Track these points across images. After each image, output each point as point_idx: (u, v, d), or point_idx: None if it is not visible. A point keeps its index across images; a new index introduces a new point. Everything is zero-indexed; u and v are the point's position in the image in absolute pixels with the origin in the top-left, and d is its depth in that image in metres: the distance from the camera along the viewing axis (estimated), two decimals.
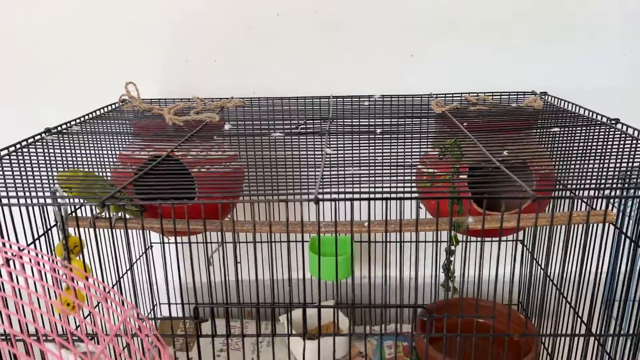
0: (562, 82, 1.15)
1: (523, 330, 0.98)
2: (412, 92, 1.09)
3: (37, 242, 0.69)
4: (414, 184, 0.62)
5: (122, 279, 0.85)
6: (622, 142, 0.74)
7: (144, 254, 1.11)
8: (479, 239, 0.76)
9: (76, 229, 0.66)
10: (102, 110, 1.02)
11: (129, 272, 0.98)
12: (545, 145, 0.91)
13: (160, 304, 1.17)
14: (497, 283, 0.68)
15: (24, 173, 0.70)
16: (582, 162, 0.76)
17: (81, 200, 0.67)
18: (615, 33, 1.12)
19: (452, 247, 0.77)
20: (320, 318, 0.75)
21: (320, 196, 0.53)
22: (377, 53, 1.15)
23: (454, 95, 1.08)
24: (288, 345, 1.11)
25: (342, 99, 1.08)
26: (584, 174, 0.72)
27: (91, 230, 0.73)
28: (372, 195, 0.54)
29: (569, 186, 0.75)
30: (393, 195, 0.53)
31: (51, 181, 0.68)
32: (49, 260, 0.48)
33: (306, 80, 1.17)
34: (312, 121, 0.91)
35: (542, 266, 1.03)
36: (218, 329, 0.77)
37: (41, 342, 0.41)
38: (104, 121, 0.94)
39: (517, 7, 1.11)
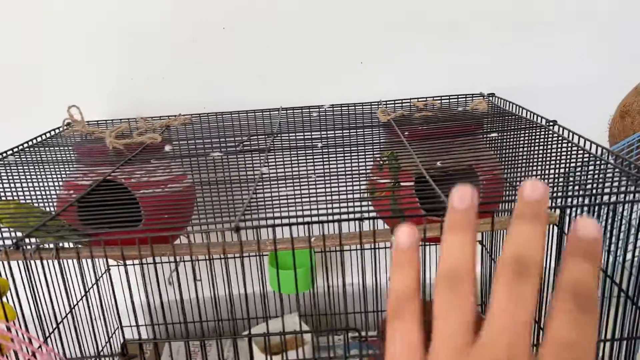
0: (512, 82, 1.15)
1: None
2: (362, 100, 1.08)
3: None
4: (349, 202, 0.61)
5: (74, 310, 0.83)
6: (559, 145, 0.74)
7: (97, 281, 1.08)
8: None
9: (5, 266, 0.64)
10: (42, 137, 0.99)
11: (82, 300, 0.96)
12: (492, 149, 0.91)
13: (122, 326, 1.15)
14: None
15: None
16: (525, 165, 0.76)
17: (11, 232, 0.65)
18: (567, 31, 1.12)
19: None
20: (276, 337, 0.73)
21: (241, 224, 0.52)
22: (327, 61, 1.14)
23: (403, 101, 1.08)
24: None
25: (292, 110, 1.07)
26: (525, 178, 0.71)
27: (37, 262, 0.70)
28: (295, 220, 0.53)
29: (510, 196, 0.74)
30: (314, 219, 0.52)
31: None
32: None
33: (256, 92, 1.16)
34: (256, 137, 0.90)
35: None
36: (179, 352, 0.75)
37: None
38: (44, 148, 0.92)
39: (471, 8, 1.11)
